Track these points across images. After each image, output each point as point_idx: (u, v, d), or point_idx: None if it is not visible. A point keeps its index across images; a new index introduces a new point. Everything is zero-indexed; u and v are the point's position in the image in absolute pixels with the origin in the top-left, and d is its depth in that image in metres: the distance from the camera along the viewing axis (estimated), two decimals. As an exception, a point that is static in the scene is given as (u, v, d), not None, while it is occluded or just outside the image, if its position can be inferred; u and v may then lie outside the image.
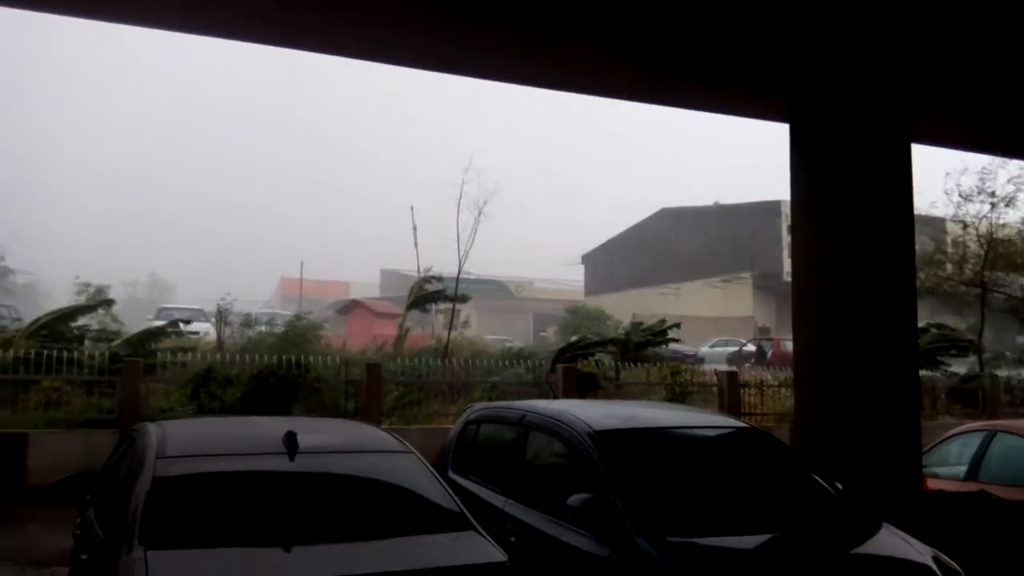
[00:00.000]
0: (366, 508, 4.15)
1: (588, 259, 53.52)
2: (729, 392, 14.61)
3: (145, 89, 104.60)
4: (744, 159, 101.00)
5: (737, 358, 27.41)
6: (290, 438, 4.22)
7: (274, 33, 7.09)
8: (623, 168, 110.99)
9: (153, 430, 4.57)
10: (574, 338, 17.82)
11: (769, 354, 27.04)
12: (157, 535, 3.58)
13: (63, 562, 6.63)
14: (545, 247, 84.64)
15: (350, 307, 36.47)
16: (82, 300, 15.46)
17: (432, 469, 4.60)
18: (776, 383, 15.77)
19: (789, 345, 13.63)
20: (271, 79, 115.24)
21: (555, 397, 11.83)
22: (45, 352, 11.85)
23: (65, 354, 11.94)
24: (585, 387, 13.64)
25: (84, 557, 4.38)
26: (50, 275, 41.08)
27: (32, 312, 20.68)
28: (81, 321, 14.60)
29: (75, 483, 5.14)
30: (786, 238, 38.03)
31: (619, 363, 15.51)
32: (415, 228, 21.55)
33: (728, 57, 7.33)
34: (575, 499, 4.47)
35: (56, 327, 13.88)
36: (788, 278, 8.79)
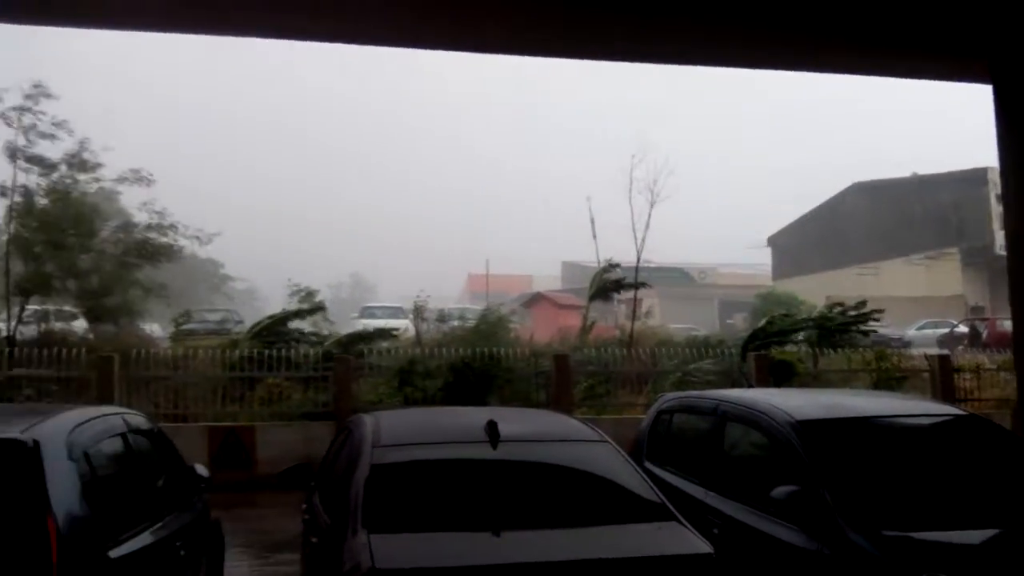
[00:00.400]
0: (568, 496, 4.26)
1: (775, 241, 51.26)
2: (941, 377, 13.63)
3: (334, 100, 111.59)
4: (941, 124, 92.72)
5: (948, 340, 25.37)
6: (491, 427, 4.37)
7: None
8: (807, 143, 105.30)
9: (368, 421, 4.91)
10: (763, 322, 17.16)
11: (984, 335, 24.81)
12: (378, 519, 3.83)
13: (291, 545, 7.27)
14: (727, 230, 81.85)
15: (534, 300, 37.12)
16: (295, 301, 16.82)
17: (629, 459, 4.65)
18: (994, 366, 14.54)
19: (1008, 324, 12.45)
20: (444, 76, 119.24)
21: (750, 386, 11.52)
22: (267, 352, 13.05)
23: (283, 353, 13.10)
24: (781, 376, 13.16)
25: (314, 540, 4.78)
26: (264, 280, 44.90)
27: (250, 315, 22.71)
28: (295, 323, 15.91)
29: (300, 471, 5.64)
30: (996, 208, 34.63)
31: (816, 350, 14.85)
32: (592, 219, 21.44)
33: (920, 17, 6.82)
34: (780, 491, 4.37)
35: (275, 328, 15.20)
36: (1002, 251, 8.05)
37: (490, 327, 16.84)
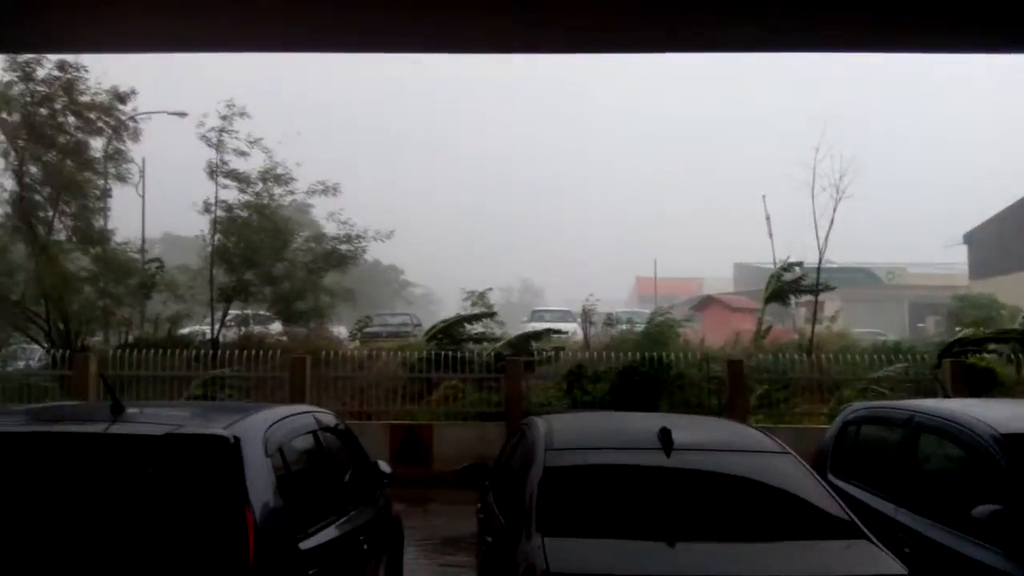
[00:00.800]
0: (747, 509, 4.11)
1: (972, 237, 47.12)
2: None
3: (502, 113, 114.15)
4: None
5: None
6: (664, 434, 4.29)
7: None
8: (1007, 130, 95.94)
9: (541, 423, 4.96)
10: (960, 330, 15.83)
11: None
12: (551, 523, 3.85)
13: (465, 542, 7.48)
14: (919, 227, 75.89)
15: (705, 303, 36.20)
16: (468, 305, 17.46)
17: (813, 472, 4.44)
18: None
19: None
20: (605, 79, 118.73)
21: (946, 396, 10.69)
22: (443, 353, 13.54)
23: (458, 355, 13.54)
24: (980, 385, 12.11)
25: (489, 540, 4.88)
26: (440, 285, 46.77)
27: (427, 319, 23.65)
28: (468, 326, 16.42)
29: (474, 471, 5.77)
30: None
31: (1020, 356, 13.56)
32: (768, 217, 20.52)
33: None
34: (981, 510, 4.04)
35: (450, 332, 15.82)
36: None
37: (658, 331, 16.57)
